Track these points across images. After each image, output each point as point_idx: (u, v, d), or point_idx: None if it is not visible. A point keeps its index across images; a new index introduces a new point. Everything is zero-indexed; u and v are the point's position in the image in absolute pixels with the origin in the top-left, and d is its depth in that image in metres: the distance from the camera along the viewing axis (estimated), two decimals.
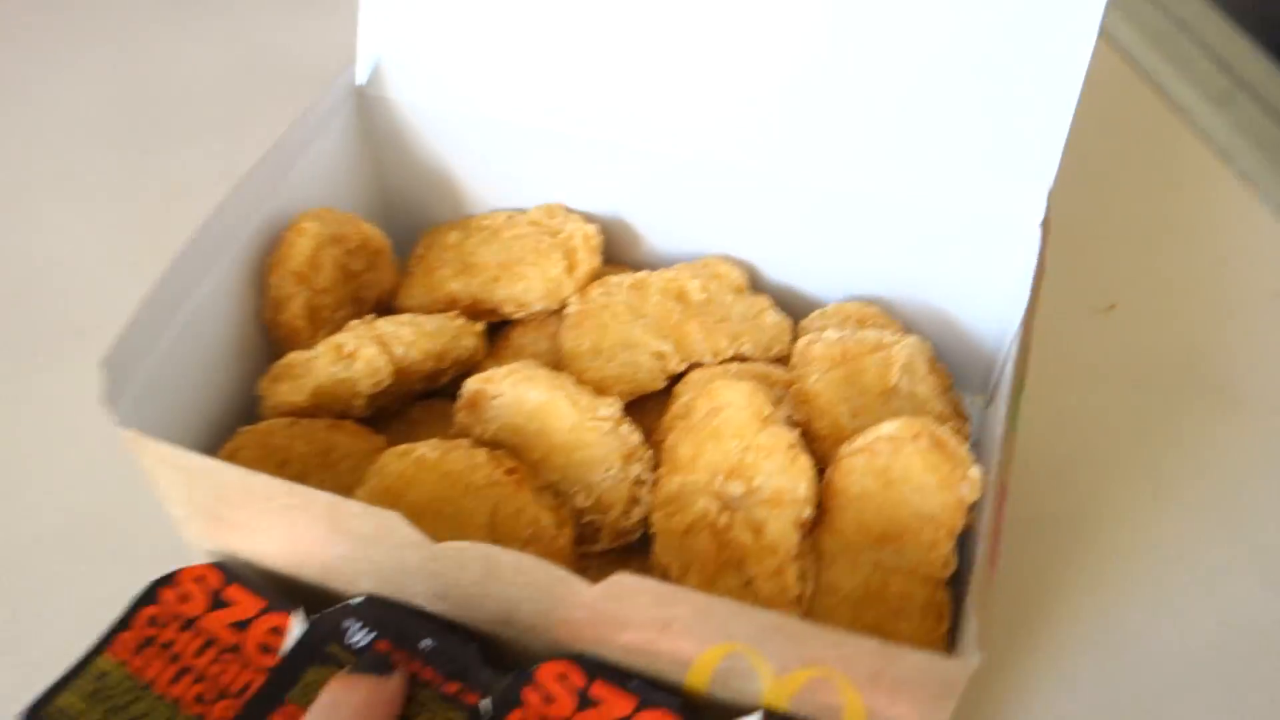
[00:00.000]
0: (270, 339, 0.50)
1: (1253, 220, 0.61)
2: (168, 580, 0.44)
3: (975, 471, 0.42)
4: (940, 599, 0.42)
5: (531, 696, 0.41)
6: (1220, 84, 0.67)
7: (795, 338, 0.52)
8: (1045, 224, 0.47)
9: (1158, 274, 0.59)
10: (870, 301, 0.53)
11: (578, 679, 0.41)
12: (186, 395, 0.46)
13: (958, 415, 0.49)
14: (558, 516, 0.45)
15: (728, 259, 0.54)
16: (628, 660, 0.41)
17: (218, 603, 0.44)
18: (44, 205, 0.67)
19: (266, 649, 0.43)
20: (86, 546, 0.51)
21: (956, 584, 0.43)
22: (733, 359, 0.50)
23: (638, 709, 0.40)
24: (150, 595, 0.44)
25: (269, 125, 0.70)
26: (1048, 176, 0.47)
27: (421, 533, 0.39)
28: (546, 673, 0.42)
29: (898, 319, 0.53)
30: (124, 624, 0.43)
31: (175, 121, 0.72)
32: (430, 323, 0.49)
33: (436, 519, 0.44)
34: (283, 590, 0.45)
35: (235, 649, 0.43)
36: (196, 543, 0.46)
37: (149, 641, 0.43)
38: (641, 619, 0.39)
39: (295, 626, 0.42)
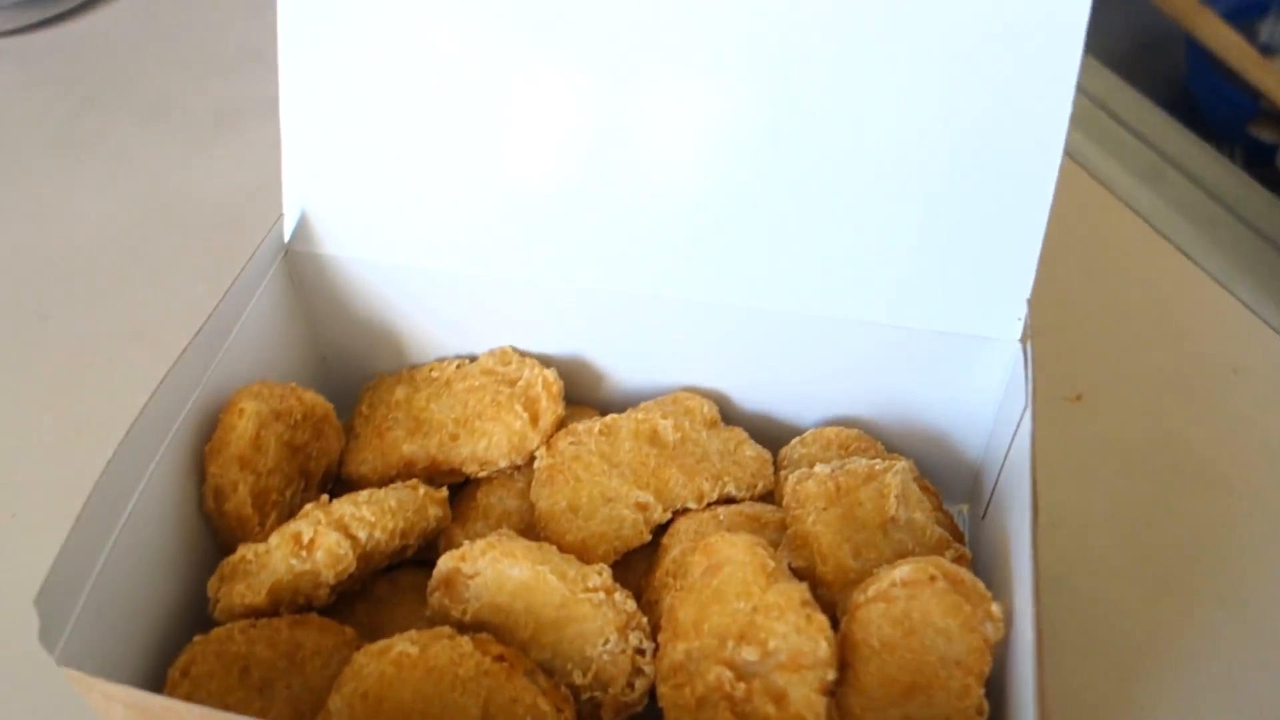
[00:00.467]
0: (215, 529, 0.46)
1: (1201, 293, 0.62)
2: None
3: (997, 609, 0.40)
4: None
5: None
6: (1147, 159, 0.68)
7: (776, 469, 0.50)
8: (1026, 339, 0.45)
9: (1118, 357, 0.59)
10: (848, 423, 0.51)
11: None
12: (132, 610, 0.42)
13: (954, 535, 0.47)
14: (555, 700, 0.41)
15: (696, 392, 0.51)
16: None
17: None
18: None
19: None
20: None
21: None
22: (718, 501, 0.47)
23: None
24: None
25: (176, 274, 0.67)
26: (1022, 290, 0.45)
27: None
28: None
29: (877, 437, 0.51)
30: None
31: (73, 278, 0.67)
32: (391, 497, 0.45)
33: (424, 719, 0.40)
34: None
35: None
36: None
37: None
38: None
39: None
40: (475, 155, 0.49)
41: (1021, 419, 0.44)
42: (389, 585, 0.48)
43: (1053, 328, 0.59)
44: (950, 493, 0.51)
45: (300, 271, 0.51)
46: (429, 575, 0.45)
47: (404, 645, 0.41)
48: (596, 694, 0.42)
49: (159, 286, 0.66)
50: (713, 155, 0.46)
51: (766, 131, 0.45)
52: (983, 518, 0.50)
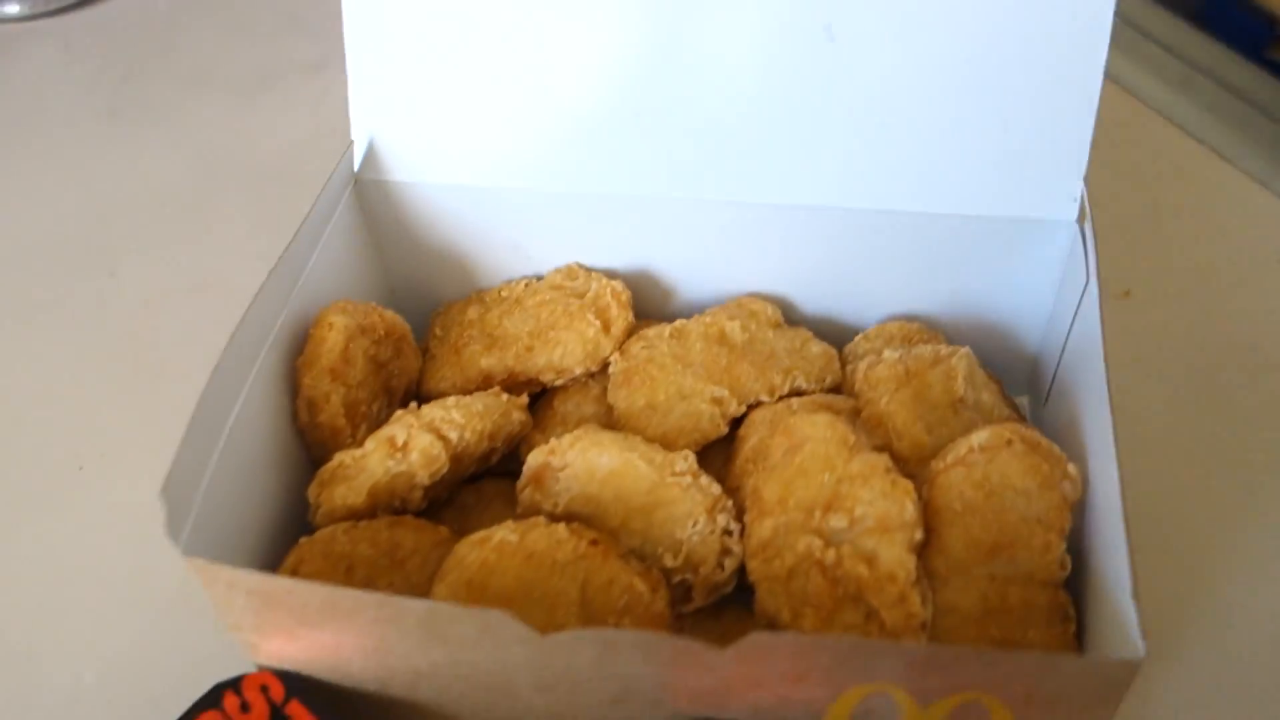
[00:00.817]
0: (308, 442, 0.48)
1: (1238, 190, 0.63)
2: (232, 684, 0.42)
3: (1073, 468, 0.41)
4: (1062, 601, 0.41)
5: None
6: (1176, 69, 0.69)
7: (842, 364, 0.51)
8: (1084, 219, 0.47)
9: (1163, 255, 0.60)
10: (909, 319, 0.52)
11: None
12: (238, 514, 0.43)
13: (1019, 418, 0.49)
14: (650, 581, 0.43)
15: (759, 296, 0.53)
16: (755, 718, 0.40)
17: (278, 717, 0.42)
18: (14, 338, 0.63)
19: None
20: (113, 692, 0.48)
21: (1070, 584, 0.42)
22: (789, 394, 0.49)
23: None
24: (214, 698, 0.42)
25: (232, 228, 0.69)
26: (1077, 170, 0.47)
27: (529, 627, 0.37)
28: None
29: (937, 331, 0.52)
30: None
31: (136, 236, 0.69)
32: (477, 402, 0.46)
33: (526, 603, 0.42)
34: (362, 704, 0.42)
35: None
36: (272, 664, 0.43)
37: None
38: (775, 674, 0.37)
39: None
40: (532, 73, 0.50)
41: (1084, 294, 0.45)
42: (475, 494, 0.50)
43: (1098, 230, 0.60)
44: (1009, 386, 0.53)
45: (369, 200, 0.53)
46: (513, 484, 0.47)
47: (504, 533, 0.42)
48: (687, 576, 0.43)
49: (218, 239, 0.68)
50: (766, 56, 0.48)
51: (818, 29, 0.47)
52: (1044, 404, 0.51)
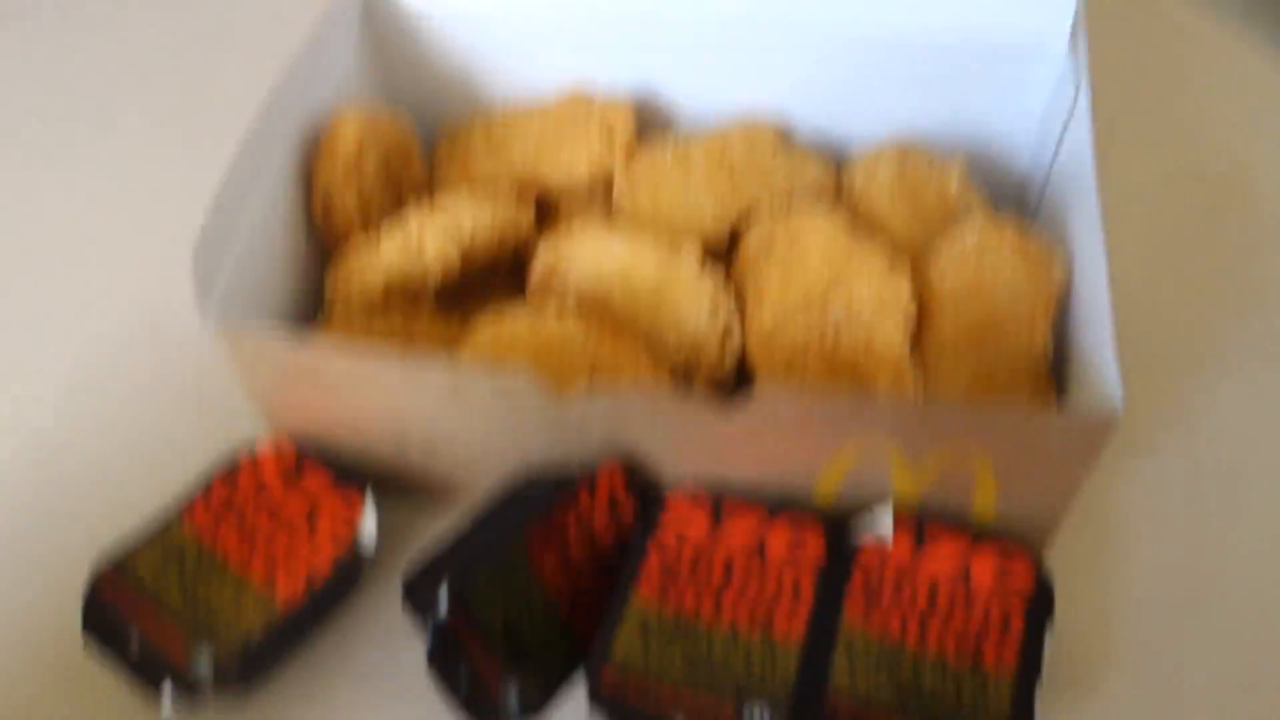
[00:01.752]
0: (322, 239, 0.49)
1: (1215, 43, 0.65)
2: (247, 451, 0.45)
3: (1060, 256, 0.44)
4: (1045, 376, 0.43)
5: (668, 519, 0.42)
6: None
7: (837, 186, 0.53)
8: (1076, 42, 0.48)
9: (1137, 109, 0.62)
10: (906, 138, 0.54)
11: (707, 500, 0.42)
12: (257, 300, 0.45)
13: None
14: (655, 367, 0.45)
15: (760, 118, 0.54)
16: (755, 480, 0.42)
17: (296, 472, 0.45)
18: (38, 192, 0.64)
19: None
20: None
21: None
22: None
23: (770, 516, 0.42)
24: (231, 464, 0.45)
25: (222, 90, 0.69)
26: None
27: (544, 389, 0.39)
28: (677, 498, 0.42)
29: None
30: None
31: (134, 85, 0.69)
32: (488, 203, 0.48)
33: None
34: (372, 469, 0.45)
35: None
36: (290, 429, 0.45)
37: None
38: (779, 431, 0.40)
39: (368, 509, 0.43)
40: None
41: (1075, 103, 0.46)
42: (482, 306, 0.51)
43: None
44: (997, 206, 0.54)
45: (377, 21, 0.54)
46: (520, 299, 0.48)
47: (520, 313, 0.44)
48: (690, 363, 0.46)
49: (206, 102, 0.68)
50: None
51: None
52: (1031, 217, 0.53)
